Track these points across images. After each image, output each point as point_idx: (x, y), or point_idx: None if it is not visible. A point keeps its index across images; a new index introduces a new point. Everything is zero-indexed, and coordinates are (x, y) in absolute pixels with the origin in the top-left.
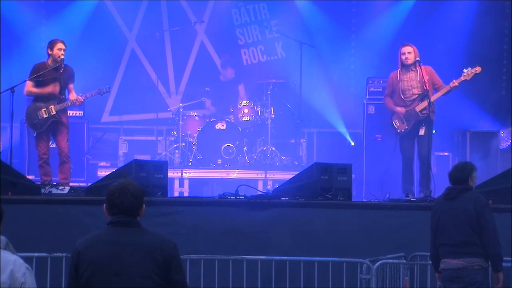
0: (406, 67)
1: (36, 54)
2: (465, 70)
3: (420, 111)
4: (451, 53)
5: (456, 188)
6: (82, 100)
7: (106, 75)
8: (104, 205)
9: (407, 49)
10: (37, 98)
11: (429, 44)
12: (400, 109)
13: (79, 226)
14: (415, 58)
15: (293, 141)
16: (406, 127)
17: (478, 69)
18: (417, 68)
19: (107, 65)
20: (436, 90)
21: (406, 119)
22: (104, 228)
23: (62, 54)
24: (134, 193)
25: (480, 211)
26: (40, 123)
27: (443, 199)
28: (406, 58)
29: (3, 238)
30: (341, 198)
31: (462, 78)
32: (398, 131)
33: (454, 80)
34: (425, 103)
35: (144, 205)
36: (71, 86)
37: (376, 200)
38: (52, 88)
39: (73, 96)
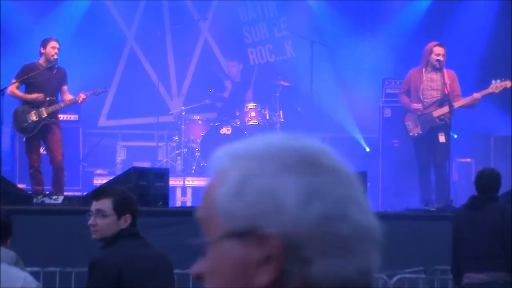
0: (433, 67)
1: (29, 55)
2: (493, 82)
3: (438, 117)
4: (470, 53)
5: (481, 198)
6: (85, 97)
7: (103, 76)
8: (127, 215)
9: (441, 50)
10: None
11: (448, 43)
12: (417, 106)
13: (74, 238)
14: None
15: None
16: (420, 132)
17: (508, 83)
18: (442, 70)
19: (104, 65)
20: (451, 98)
21: (420, 123)
22: (123, 240)
23: (55, 54)
24: (133, 199)
25: (507, 222)
26: (30, 127)
27: (467, 209)
28: (439, 60)
29: (12, 253)
30: None
31: (490, 90)
32: (411, 134)
33: (475, 94)
34: (444, 109)
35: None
36: (64, 87)
37: (393, 210)
38: (37, 95)
39: (67, 97)
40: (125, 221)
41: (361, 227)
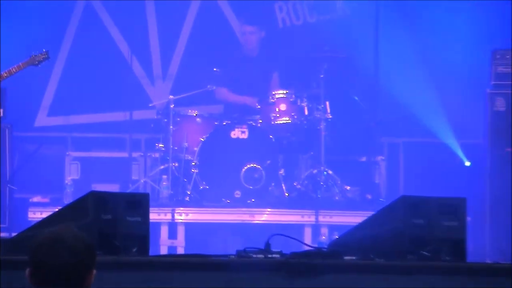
0: None
1: None
2: None
3: None
4: None
5: None
6: (6, 76)
7: (43, 48)
8: (28, 269)
9: None
10: None
11: None
12: None
13: None
14: None
15: (364, 159)
16: None
17: None
18: None
19: (45, 31)
20: None
21: None
22: None
23: None
24: (73, 247)
25: None
26: None
27: None
28: None
29: None
30: (448, 258)
31: None
32: None
33: None
34: None
35: (94, 270)
36: None
37: (510, 262)
38: None
39: None
40: (30, 280)
41: None
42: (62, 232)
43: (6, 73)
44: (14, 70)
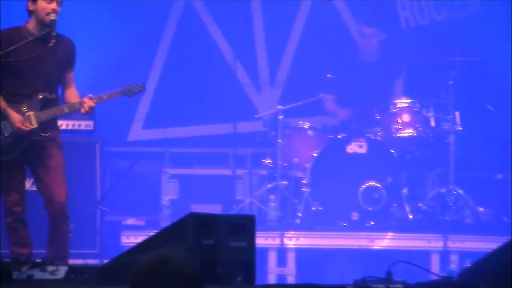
0: None
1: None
2: None
3: None
4: None
5: None
6: (93, 105)
7: (135, 59)
8: None
9: None
10: None
11: None
12: None
13: None
14: None
15: (499, 176)
16: None
17: None
18: None
19: (140, 33)
20: None
21: None
22: None
23: (53, 15)
24: (179, 273)
25: None
26: (6, 146)
27: None
28: None
29: None
30: None
31: None
32: None
33: None
34: None
35: None
36: (70, 75)
37: None
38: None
39: (72, 95)
40: None
41: None
42: (165, 256)
43: (96, 99)
44: (105, 97)
